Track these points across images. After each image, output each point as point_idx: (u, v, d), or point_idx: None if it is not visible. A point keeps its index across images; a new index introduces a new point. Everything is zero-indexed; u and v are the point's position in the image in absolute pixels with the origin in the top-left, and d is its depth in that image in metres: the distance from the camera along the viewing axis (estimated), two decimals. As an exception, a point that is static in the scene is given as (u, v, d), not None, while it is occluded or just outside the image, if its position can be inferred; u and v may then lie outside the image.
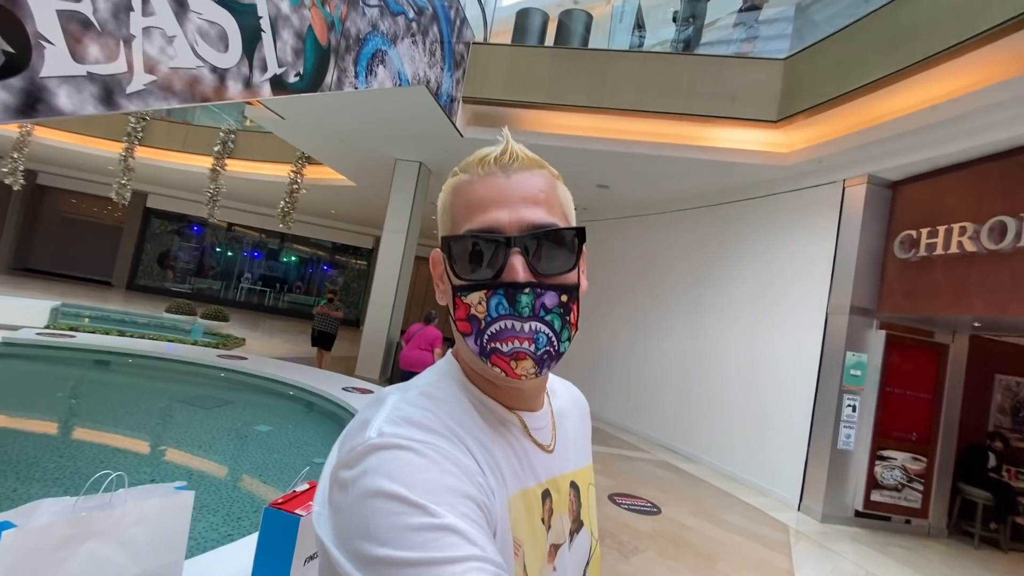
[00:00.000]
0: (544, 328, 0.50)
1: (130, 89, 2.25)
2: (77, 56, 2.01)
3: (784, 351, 5.66)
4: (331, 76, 3.65)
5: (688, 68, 5.77)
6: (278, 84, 3.13)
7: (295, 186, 10.65)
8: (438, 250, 0.56)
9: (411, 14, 4.64)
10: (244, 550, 1.72)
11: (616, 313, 8.39)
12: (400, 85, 4.63)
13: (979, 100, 3.93)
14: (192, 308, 9.67)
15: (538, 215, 0.51)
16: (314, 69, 3.44)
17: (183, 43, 2.45)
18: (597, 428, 7.02)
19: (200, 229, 16.99)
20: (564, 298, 0.51)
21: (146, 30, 2.28)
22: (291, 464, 3.47)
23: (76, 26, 2.00)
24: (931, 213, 4.65)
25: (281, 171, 11.03)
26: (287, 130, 7.77)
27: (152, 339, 6.38)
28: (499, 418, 0.55)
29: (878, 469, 4.92)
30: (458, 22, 5.72)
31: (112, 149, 11.49)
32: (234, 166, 11.68)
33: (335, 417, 4.48)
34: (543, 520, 0.55)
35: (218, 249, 17.67)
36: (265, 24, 2.94)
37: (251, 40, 2.86)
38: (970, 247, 4.17)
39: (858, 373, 5.01)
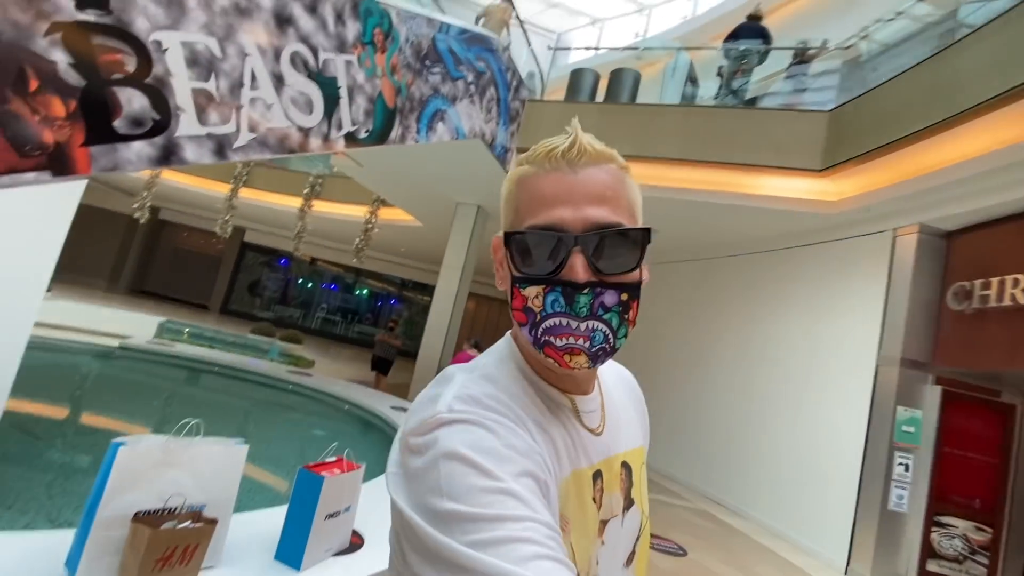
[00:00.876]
0: (602, 327, 0.51)
1: (236, 144, 2.91)
2: (201, 121, 2.68)
3: (833, 403, 5.46)
4: (396, 132, 4.29)
5: (730, 120, 6.00)
6: (351, 139, 3.78)
7: (370, 225, 11.74)
8: (497, 237, 0.58)
9: (470, 78, 5.30)
10: (281, 513, 2.10)
11: (665, 358, 8.37)
12: (457, 138, 5.25)
13: (1027, 151, 3.87)
14: (272, 331, 10.76)
15: (602, 214, 0.52)
16: (382, 127, 4.08)
17: (278, 108, 3.12)
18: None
19: (287, 262, 18.80)
20: (624, 296, 0.52)
21: (252, 100, 2.95)
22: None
23: (203, 99, 2.68)
24: (985, 264, 4.47)
25: (359, 212, 12.21)
26: (365, 176, 8.75)
27: (236, 354, 7.26)
28: (554, 401, 0.57)
29: (935, 536, 4.56)
30: (514, 83, 6.36)
31: (221, 189, 13.26)
32: (320, 207, 13.07)
33: (381, 431, 4.91)
34: (594, 499, 0.56)
35: (300, 280, 19.40)
36: (343, 92, 3.61)
37: (331, 105, 3.52)
38: (1022, 299, 3.97)
39: (911, 430, 4.75)
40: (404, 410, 5.45)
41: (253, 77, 2.94)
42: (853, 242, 5.70)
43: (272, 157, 3.20)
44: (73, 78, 2.15)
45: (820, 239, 6.11)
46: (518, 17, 7.09)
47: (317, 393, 5.85)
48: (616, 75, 6.87)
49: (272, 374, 6.05)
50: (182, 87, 2.57)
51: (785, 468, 5.80)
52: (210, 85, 2.70)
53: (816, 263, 6.13)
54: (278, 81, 3.10)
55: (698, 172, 6.11)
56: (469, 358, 4.83)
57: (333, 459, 2.12)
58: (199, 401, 4.86)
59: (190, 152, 2.67)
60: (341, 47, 3.55)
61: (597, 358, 0.51)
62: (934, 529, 4.58)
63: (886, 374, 4.96)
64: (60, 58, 2.11)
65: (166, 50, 2.49)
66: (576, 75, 7.20)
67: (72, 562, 1.50)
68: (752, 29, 6.49)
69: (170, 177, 13.64)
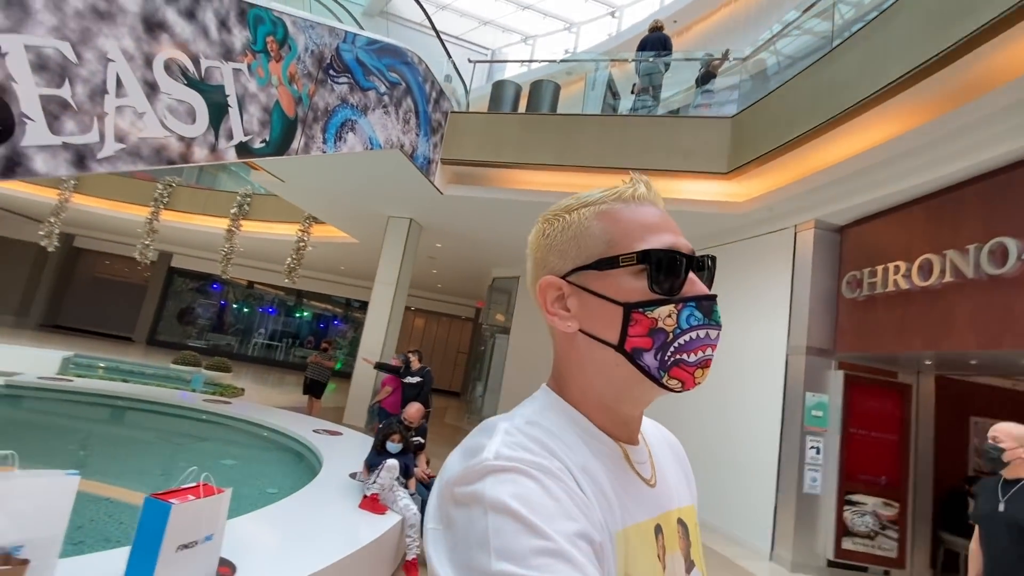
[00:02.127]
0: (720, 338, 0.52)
1: (101, 155, 2.72)
2: (54, 130, 2.49)
3: (750, 395, 5.69)
4: (298, 142, 4.17)
5: (643, 128, 6.24)
6: (243, 149, 3.63)
7: (302, 243, 11.37)
8: (550, 276, 0.56)
9: (382, 88, 5.25)
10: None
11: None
12: (372, 148, 5.17)
13: (898, 146, 4.21)
14: (197, 360, 10.13)
15: (689, 244, 0.55)
16: (280, 136, 3.95)
17: (152, 117, 2.95)
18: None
19: (219, 287, 17.89)
20: None
21: (119, 108, 2.78)
22: (241, 493, 3.66)
23: (56, 106, 2.49)
24: (871, 254, 4.81)
25: (291, 230, 11.80)
26: (289, 192, 8.47)
27: (154, 386, 6.76)
28: (606, 448, 0.54)
29: (847, 515, 4.79)
30: (434, 94, 6.37)
31: (140, 213, 12.50)
32: (249, 227, 12.54)
33: (298, 456, 4.68)
34: (659, 557, 0.53)
35: (235, 306, 18.48)
36: (232, 100, 3.48)
37: (217, 114, 3.38)
38: (904, 284, 4.30)
39: (819, 414, 5.00)
40: (329, 432, 5.22)
41: (119, 83, 2.77)
42: (760, 240, 6.02)
43: (148, 168, 3.02)
44: None
45: (732, 239, 6.41)
46: (434, 28, 7.14)
47: (234, 421, 5.52)
48: (536, 87, 7.02)
49: (185, 404, 5.66)
50: (28, 93, 2.38)
51: (708, 461, 5.96)
52: (64, 92, 2.52)
53: (729, 262, 6.42)
54: (151, 88, 2.94)
55: (617, 178, 6.26)
56: (393, 380, 4.72)
57: (192, 484, 1.96)
58: (93, 436, 4.46)
59: (41, 163, 2.47)
60: (227, 55, 3.42)
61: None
62: (846, 507, 4.81)
63: (795, 363, 5.22)
64: None
65: (6, 54, 2.30)
66: (497, 87, 7.30)
67: None
68: (656, 40, 6.81)
69: (83, 201, 12.75)
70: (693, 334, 0.50)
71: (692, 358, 0.50)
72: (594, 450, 0.52)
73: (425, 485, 3.69)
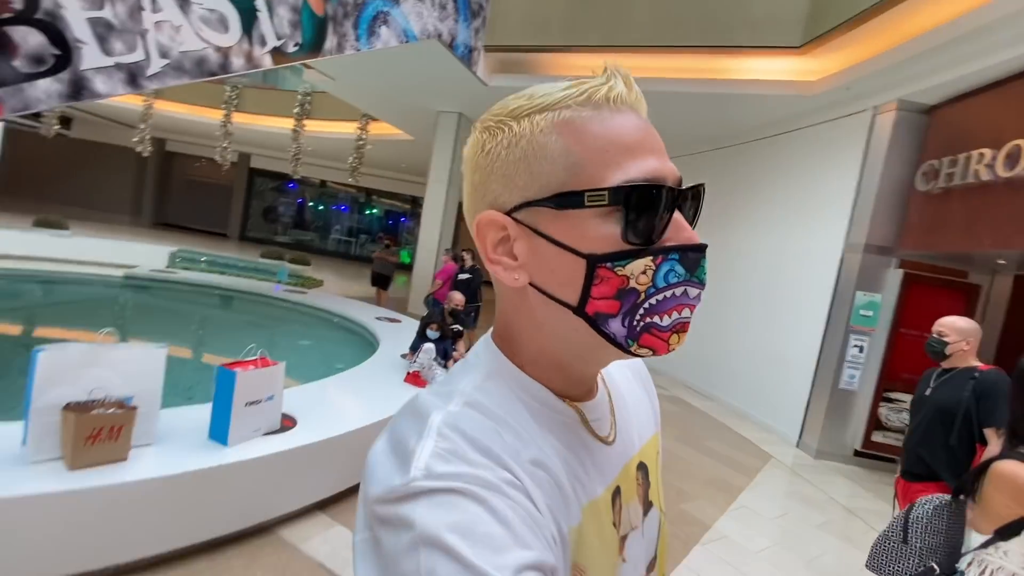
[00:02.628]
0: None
1: (150, 72, 2.98)
2: (105, 51, 2.74)
3: (799, 291, 5.54)
4: (331, 42, 4.19)
5: (705, -4, 5.51)
6: (279, 53, 3.75)
7: (360, 142, 11.64)
8: (491, 212, 0.44)
9: (415, -28, 4.98)
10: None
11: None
12: (407, 42, 5.06)
13: (1003, 6, 3.50)
14: (281, 254, 11.24)
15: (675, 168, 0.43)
16: (312, 37, 3.99)
17: (188, 30, 3.12)
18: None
19: (295, 185, 18.98)
20: None
21: (157, 24, 2.96)
22: (313, 367, 4.34)
23: (102, 28, 2.72)
24: (956, 140, 4.24)
25: (350, 128, 12.04)
26: (340, 89, 8.55)
27: (245, 278, 7.76)
28: (561, 417, 0.47)
29: (883, 410, 4.82)
30: (473, -28, 5.92)
31: (216, 116, 13.19)
32: (313, 126, 12.91)
33: (363, 339, 5.35)
34: (614, 523, 0.49)
35: (311, 204, 19.70)
36: (260, 4, 3.53)
37: (248, 20, 3.46)
38: (985, 175, 3.82)
39: (869, 314, 4.83)
40: (389, 320, 5.84)
41: (153, 0, 2.92)
42: (830, 126, 5.42)
43: (193, 81, 3.25)
44: (-43, 20, 2.24)
45: (800, 124, 5.81)
46: None
47: (310, 309, 6.30)
48: (586, -47, 6.25)
49: (265, 292, 6.50)
50: (76, 18, 2.61)
51: (753, 354, 6.05)
52: (106, 12, 2.73)
53: (795, 151, 5.89)
54: (183, 3, 3.06)
55: (671, 59, 5.76)
56: (451, 269, 5.12)
57: (253, 356, 2.44)
58: (197, 319, 5.38)
59: (101, 84, 2.77)
60: (249, -46, 3.41)
61: None
62: (882, 404, 4.83)
63: (850, 260, 4.96)
64: (-62, 0, 2.19)
65: (49, -20, 2.50)
66: (545, -43, 6.58)
67: (25, 442, 1.89)
68: None
69: (164, 107, 13.59)
70: (669, 292, 0.41)
71: (665, 321, 0.41)
72: (546, 424, 0.46)
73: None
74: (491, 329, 0.51)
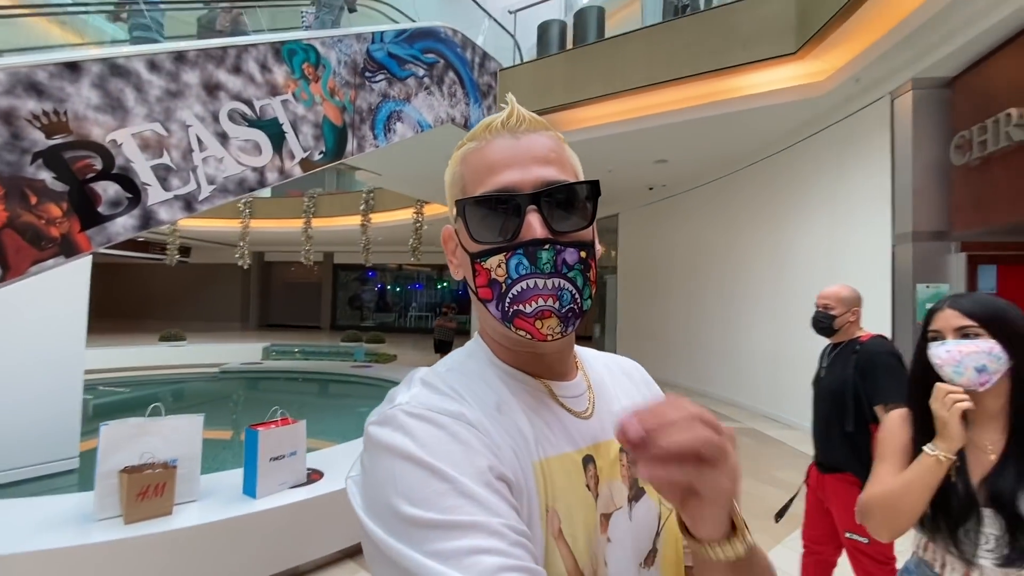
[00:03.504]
0: (568, 285, 0.49)
1: (201, 197, 3.70)
2: (166, 188, 3.49)
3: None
4: (352, 144, 4.88)
5: (692, 28, 5.71)
6: (307, 163, 4.45)
7: (417, 224, 12.70)
8: (449, 226, 0.57)
9: (420, 72, 5.71)
10: (254, 460, 2.81)
11: (703, 285, 8.16)
12: (423, 131, 5.72)
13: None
14: (359, 336, 12.26)
15: (551, 173, 0.51)
16: (335, 144, 4.70)
17: (229, 159, 3.86)
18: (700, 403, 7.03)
19: (374, 273, 20.76)
20: (583, 254, 0.51)
21: (204, 159, 3.72)
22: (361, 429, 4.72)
23: (163, 171, 3.48)
24: (983, 107, 3.91)
25: (409, 215, 13.22)
26: (388, 182, 9.57)
27: (325, 361, 8.60)
28: (526, 386, 0.54)
29: (982, 414, 4.18)
30: (476, 59, 6.63)
31: (298, 225, 15.11)
32: (379, 218, 14.34)
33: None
34: (588, 487, 0.52)
35: (389, 287, 21.33)
36: (287, 127, 4.27)
37: (278, 141, 4.20)
38: (1017, 135, 3.47)
39: (937, 306, 4.34)
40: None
41: (200, 142, 3.69)
42: (851, 120, 5.19)
43: (236, 199, 3.96)
44: (59, 187, 3.02)
45: (818, 127, 5.62)
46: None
47: (373, 380, 6.82)
48: (579, 16, 6.80)
49: (336, 371, 7.16)
50: (143, 168, 3.39)
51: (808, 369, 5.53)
52: (165, 159, 3.50)
53: (818, 154, 5.66)
54: (223, 138, 3.83)
55: (672, 92, 5.91)
56: None
57: (277, 418, 2.79)
58: (268, 398, 6.09)
59: (164, 214, 3.50)
60: (273, 91, 4.20)
61: (568, 320, 0.49)
62: (980, 407, 4.19)
63: (902, 252, 4.55)
64: (46, 176, 2.98)
65: (121, 144, 3.30)
66: (542, 29, 7.22)
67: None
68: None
69: (258, 225, 15.81)
70: (524, 284, 0.49)
71: (528, 308, 0.49)
72: (514, 389, 0.53)
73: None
74: None
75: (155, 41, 4.92)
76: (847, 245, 5.24)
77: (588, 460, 0.53)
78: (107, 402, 6.37)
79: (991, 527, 0.97)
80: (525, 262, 0.49)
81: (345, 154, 4.82)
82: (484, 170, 0.52)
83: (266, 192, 16.70)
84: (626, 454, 0.54)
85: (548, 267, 0.49)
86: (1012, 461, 0.99)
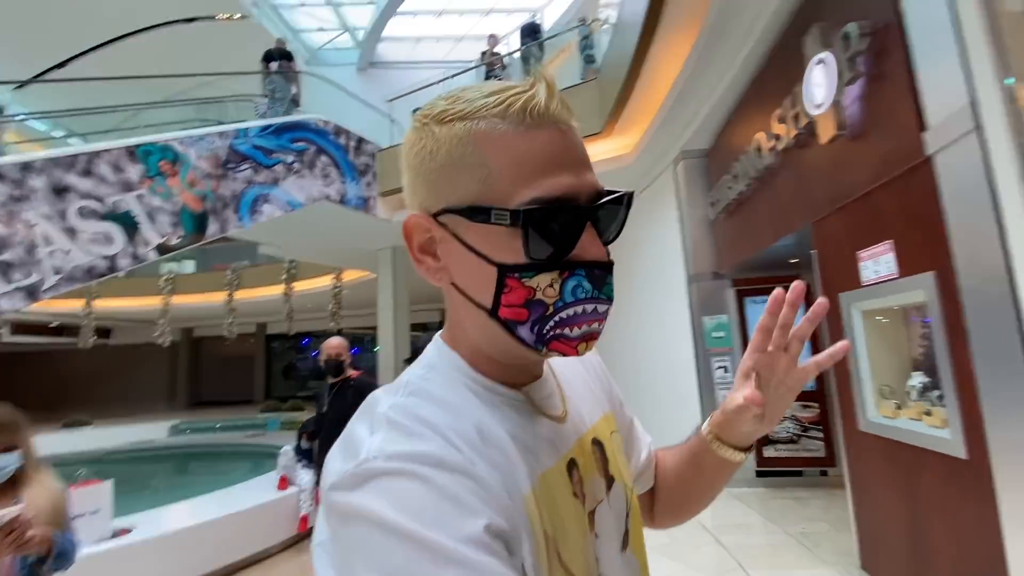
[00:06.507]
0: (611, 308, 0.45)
1: (46, 286, 4.11)
2: (6, 280, 3.89)
3: (668, 330, 5.92)
4: (214, 227, 5.42)
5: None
6: (163, 247, 4.94)
7: (336, 289, 13.14)
8: (417, 215, 0.47)
9: (290, 159, 6.40)
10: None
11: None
12: (293, 209, 6.33)
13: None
14: (278, 406, 12.26)
15: (596, 179, 0.45)
16: (194, 228, 5.23)
17: (77, 251, 4.31)
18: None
19: (308, 340, 20.71)
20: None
21: (50, 252, 4.16)
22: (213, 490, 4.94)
23: (3, 267, 3.90)
24: (723, 168, 4.90)
25: (327, 281, 13.67)
26: (292, 252, 10.08)
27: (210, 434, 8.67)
28: (504, 399, 0.49)
29: (763, 424, 4.89)
30: (352, 143, 7.42)
31: (220, 299, 15.20)
32: (301, 286, 14.68)
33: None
34: (575, 495, 0.50)
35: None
36: (141, 218, 4.79)
37: (131, 231, 4.70)
38: (734, 192, 4.42)
39: (720, 335, 5.15)
40: (322, 440, 6.46)
41: (46, 238, 4.15)
42: (656, 184, 6.22)
43: (83, 285, 4.38)
44: None
45: (637, 188, 6.62)
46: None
47: (262, 447, 7.02)
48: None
49: (228, 442, 7.31)
50: (-17, 264, 3.80)
51: (651, 401, 6.23)
52: (7, 256, 3.92)
53: (636, 211, 6.63)
54: (71, 233, 4.30)
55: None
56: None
57: (82, 480, 3.13)
58: (146, 473, 6.20)
59: (4, 303, 3.88)
60: (127, 187, 4.74)
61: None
62: (761, 418, 4.91)
63: (694, 291, 5.41)
64: None
65: (-38, 245, 3.73)
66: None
67: None
68: (529, 28, 7.23)
69: (180, 301, 15.77)
70: (579, 308, 0.43)
71: (575, 332, 0.44)
72: (490, 404, 0.47)
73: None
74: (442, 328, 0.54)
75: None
76: (656, 293, 6.15)
77: (571, 465, 0.51)
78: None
79: None
80: (586, 285, 0.44)
81: (207, 234, 5.34)
82: (533, 166, 0.43)
83: (190, 267, 16.81)
84: (598, 447, 0.56)
85: (611, 292, 0.45)
86: None
